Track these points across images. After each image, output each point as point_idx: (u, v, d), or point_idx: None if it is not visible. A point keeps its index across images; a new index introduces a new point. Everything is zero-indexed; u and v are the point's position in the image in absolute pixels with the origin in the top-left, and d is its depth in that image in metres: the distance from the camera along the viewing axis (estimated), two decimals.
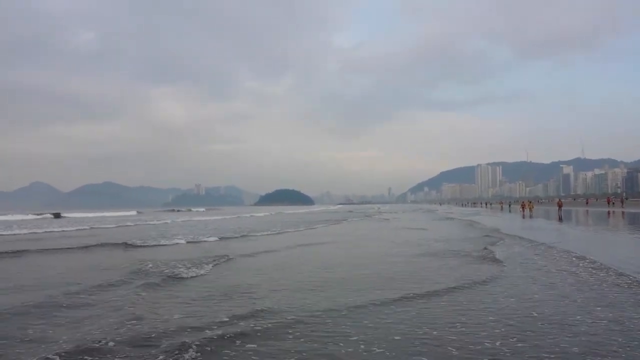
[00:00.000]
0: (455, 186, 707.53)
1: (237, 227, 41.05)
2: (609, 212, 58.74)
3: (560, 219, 43.71)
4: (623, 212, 56.55)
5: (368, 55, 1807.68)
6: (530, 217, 52.35)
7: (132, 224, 49.45)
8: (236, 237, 28.70)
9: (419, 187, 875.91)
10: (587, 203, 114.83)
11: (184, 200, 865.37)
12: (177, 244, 24.58)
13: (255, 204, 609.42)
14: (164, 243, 24.49)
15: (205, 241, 25.85)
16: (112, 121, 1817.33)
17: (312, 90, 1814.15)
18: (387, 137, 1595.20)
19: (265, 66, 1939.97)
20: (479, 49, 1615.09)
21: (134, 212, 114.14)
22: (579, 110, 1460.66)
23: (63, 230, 39.91)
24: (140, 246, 22.79)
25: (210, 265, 15.02)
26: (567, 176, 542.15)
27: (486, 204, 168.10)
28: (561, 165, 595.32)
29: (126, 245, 23.06)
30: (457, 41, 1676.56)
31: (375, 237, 27.92)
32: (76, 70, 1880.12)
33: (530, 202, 71.72)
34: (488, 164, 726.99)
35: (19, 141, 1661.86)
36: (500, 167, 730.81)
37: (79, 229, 41.36)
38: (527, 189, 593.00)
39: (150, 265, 15.08)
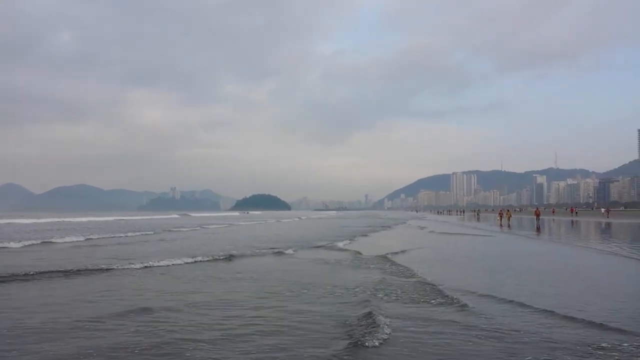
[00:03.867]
0: (431, 193, 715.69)
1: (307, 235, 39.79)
2: (572, 222, 60.42)
3: (538, 230, 42.09)
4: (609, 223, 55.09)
5: (350, 64, 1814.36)
6: (509, 227, 49.51)
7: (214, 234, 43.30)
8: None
9: (396, 194, 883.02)
10: (553, 212, 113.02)
11: (159, 203, 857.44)
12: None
13: (232, 209, 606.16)
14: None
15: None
16: (87, 123, 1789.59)
17: (293, 97, 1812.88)
18: (366, 145, 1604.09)
19: (246, 72, 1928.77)
20: (459, 61, 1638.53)
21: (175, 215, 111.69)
22: (552, 122, 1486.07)
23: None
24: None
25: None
26: (540, 185, 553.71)
27: (463, 212, 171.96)
28: (534, 175, 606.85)
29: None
30: (438, 53, 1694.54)
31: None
32: (53, 72, 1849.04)
33: (508, 210, 67.67)
34: (464, 172, 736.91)
35: None
36: (475, 175, 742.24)
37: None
38: (501, 197, 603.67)
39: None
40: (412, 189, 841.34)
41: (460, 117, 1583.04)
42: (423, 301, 10.39)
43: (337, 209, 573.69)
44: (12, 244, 26.63)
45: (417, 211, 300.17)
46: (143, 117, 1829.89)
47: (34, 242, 28.69)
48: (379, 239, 32.85)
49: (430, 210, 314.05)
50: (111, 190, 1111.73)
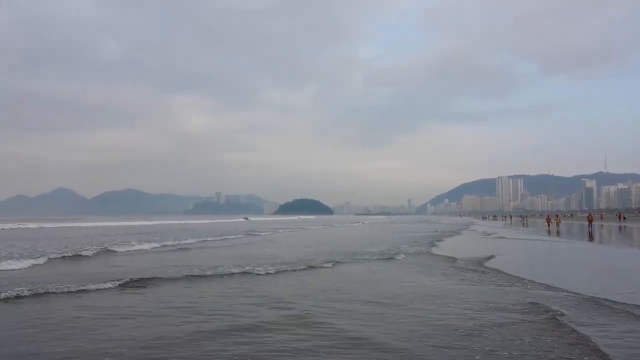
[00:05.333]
0: (476, 198, 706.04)
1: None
2: (620, 227, 58.64)
3: (590, 236, 40.98)
4: None
5: (390, 67, 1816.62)
6: (558, 233, 48.70)
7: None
8: None
9: (439, 199, 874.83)
10: (601, 218, 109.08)
11: (204, 208, 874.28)
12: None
13: (275, 213, 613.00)
14: None
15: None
16: (135, 130, 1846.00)
17: (333, 101, 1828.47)
18: (407, 149, 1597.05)
19: (287, 77, 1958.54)
20: (502, 62, 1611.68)
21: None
22: (601, 124, 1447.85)
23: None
24: None
25: None
26: (589, 190, 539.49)
27: (510, 217, 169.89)
28: (583, 179, 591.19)
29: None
30: (480, 54, 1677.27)
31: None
32: (100, 79, 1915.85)
33: (557, 216, 66.42)
34: (509, 176, 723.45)
35: (43, 148, 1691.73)
36: (522, 179, 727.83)
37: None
38: (549, 202, 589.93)
39: None
40: (455, 194, 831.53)
41: (505, 120, 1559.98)
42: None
43: (380, 214, 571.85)
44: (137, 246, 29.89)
45: (460, 216, 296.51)
46: (188, 123, 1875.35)
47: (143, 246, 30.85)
48: (457, 245, 33.95)
49: (475, 216, 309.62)
50: (158, 194, 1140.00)
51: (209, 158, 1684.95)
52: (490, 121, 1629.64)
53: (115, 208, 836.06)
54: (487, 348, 7.84)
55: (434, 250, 28.20)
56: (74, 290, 13.50)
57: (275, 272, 17.54)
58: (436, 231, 55.59)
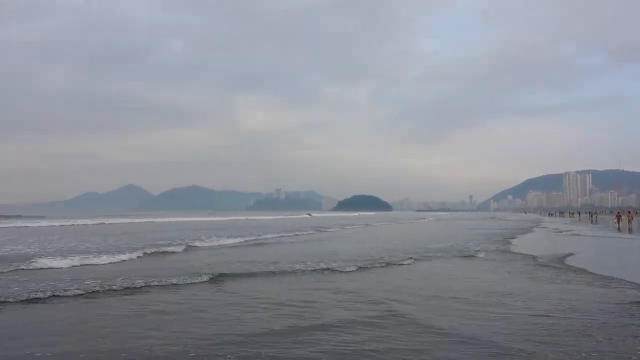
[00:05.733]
0: (541, 194, 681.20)
1: None
2: None
3: None
4: None
5: (450, 61, 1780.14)
6: (630, 230, 46.08)
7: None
8: None
9: (502, 195, 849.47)
10: None
11: (265, 204, 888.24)
12: None
13: (333, 209, 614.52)
14: None
15: None
16: (199, 127, 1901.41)
17: (392, 96, 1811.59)
18: (468, 144, 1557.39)
19: (345, 73, 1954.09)
20: (566, 54, 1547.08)
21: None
22: None
23: None
24: None
25: None
26: None
27: (578, 214, 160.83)
28: None
29: None
30: (543, 46, 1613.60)
31: None
32: (165, 79, 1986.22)
33: (629, 212, 59.59)
34: (577, 171, 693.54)
35: (113, 147, 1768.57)
36: (590, 175, 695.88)
37: None
38: (620, 198, 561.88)
39: None
40: (519, 190, 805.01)
41: (571, 113, 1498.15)
42: None
43: (441, 210, 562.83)
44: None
45: (525, 213, 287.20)
46: (249, 120, 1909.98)
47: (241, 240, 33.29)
48: (533, 242, 33.25)
49: (540, 212, 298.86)
50: (221, 191, 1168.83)
51: (270, 155, 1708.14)
52: (555, 115, 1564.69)
53: (181, 204, 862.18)
54: (602, 349, 7.74)
55: (511, 247, 27.77)
56: (171, 283, 14.34)
57: (357, 269, 17.77)
58: (506, 228, 54.44)
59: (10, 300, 11.75)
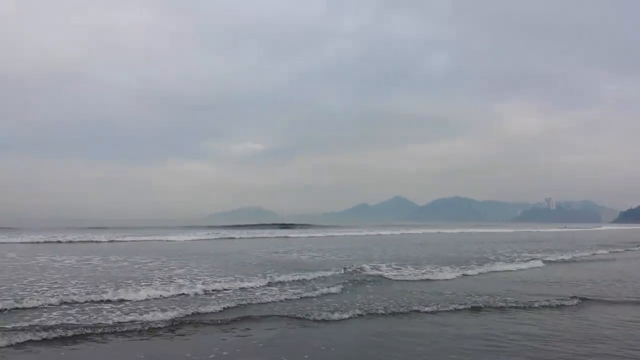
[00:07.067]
0: None
1: None
2: None
3: None
4: None
5: None
6: None
7: None
8: None
9: None
10: None
11: (532, 215, 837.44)
12: None
13: (615, 222, 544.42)
14: None
15: None
16: (462, 137, 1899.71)
17: None
18: None
19: (625, 67, 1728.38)
20: None
21: None
22: None
23: None
24: None
25: None
26: None
27: None
28: None
29: None
30: None
31: None
32: (430, 92, 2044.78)
33: None
34: None
35: (385, 159, 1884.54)
36: None
37: None
38: None
39: None
40: None
41: None
42: None
43: None
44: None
45: None
46: (511, 127, 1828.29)
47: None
48: None
49: None
50: (484, 201, 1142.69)
51: (537, 162, 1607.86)
52: None
53: (444, 215, 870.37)
54: None
55: None
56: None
57: None
58: None
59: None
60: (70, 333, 10.27)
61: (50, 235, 43.98)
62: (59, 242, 40.02)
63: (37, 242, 39.00)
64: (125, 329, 10.76)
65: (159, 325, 11.14)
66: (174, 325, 11.18)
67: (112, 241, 41.89)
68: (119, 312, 12.23)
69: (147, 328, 10.91)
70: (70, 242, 40.26)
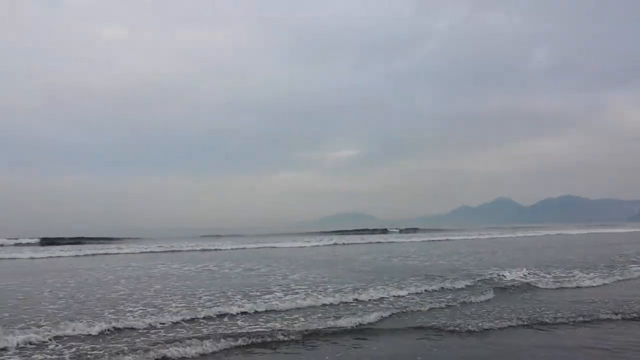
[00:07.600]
0: None
1: None
2: None
3: None
4: None
5: None
6: None
7: None
8: None
9: None
10: None
11: None
12: None
13: None
14: None
15: None
16: (566, 133, 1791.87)
17: None
18: None
19: None
20: None
21: None
22: None
23: None
24: None
25: None
26: None
27: None
28: None
29: None
30: None
31: None
32: (533, 87, 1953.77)
33: None
34: None
35: (485, 160, 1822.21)
36: None
37: None
38: None
39: None
40: None
41: None
42: None
43: None
44: None
45: None
46: (623, 119, 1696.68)
47: None
48: None
49: None
50: (598, 199, 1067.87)
51: None
52: None
53: (552, 215, 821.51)
54: None
55: None
56: None
57: None
58: None
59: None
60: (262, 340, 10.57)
61: (193, 244, 46.44)
62: (193, 250, 42.12)
63: (170, 251, 40.94)
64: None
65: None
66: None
67: (233, 249, 43.49)
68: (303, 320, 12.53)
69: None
70: (205, 250, 42.44)
